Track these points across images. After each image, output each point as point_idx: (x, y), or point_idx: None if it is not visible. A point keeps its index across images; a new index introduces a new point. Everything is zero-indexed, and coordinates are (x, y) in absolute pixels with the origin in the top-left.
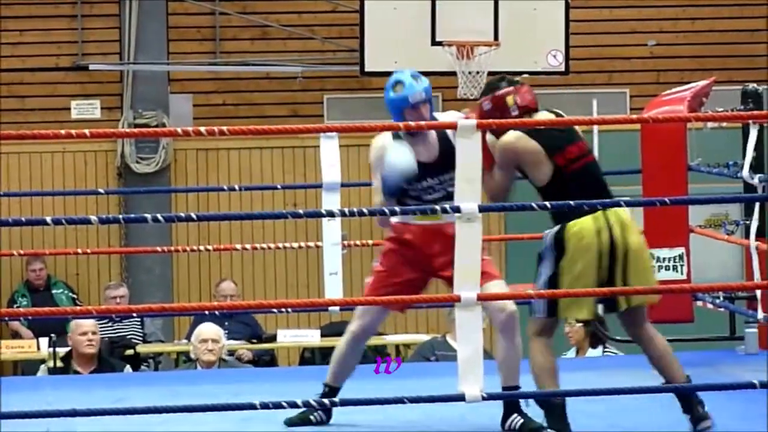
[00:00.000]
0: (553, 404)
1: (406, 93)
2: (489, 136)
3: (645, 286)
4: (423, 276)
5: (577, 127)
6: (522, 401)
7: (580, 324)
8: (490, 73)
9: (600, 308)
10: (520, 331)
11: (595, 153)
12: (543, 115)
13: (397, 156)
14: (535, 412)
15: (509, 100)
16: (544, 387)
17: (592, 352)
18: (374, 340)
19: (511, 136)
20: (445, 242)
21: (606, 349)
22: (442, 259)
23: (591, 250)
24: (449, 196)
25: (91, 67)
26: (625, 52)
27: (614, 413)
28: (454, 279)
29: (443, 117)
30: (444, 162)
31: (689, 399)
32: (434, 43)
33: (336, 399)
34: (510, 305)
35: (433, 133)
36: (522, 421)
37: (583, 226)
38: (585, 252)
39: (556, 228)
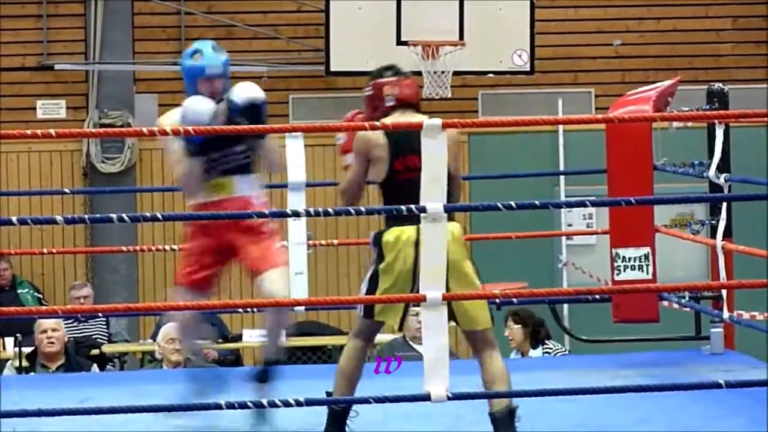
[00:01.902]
0: (335, 411)
1: (204, 63)
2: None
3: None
4: (224, 255)
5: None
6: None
7: (519, 326)
8: (455, 73)
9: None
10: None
11: (561, 152)
12: (416, 118)
13: (199, 102)
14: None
15: (387, 89)
16: (336, 389)
17: (533, 353)
18: (339, 340)
19: (364, 135)
20: (237, 208)
21: (546, 348)
22: (236, 235)
23: (407, 259)
24: (241, 171)
25: (56, 66)
26: (590, 52)
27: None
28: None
29: (239, 88)
30: (225, 138)
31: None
32: (399, 42)
33: (302, 399)
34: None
35: (222, 105)
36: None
37: (402, 234)
38: (401, 258)
39: (380, 230)
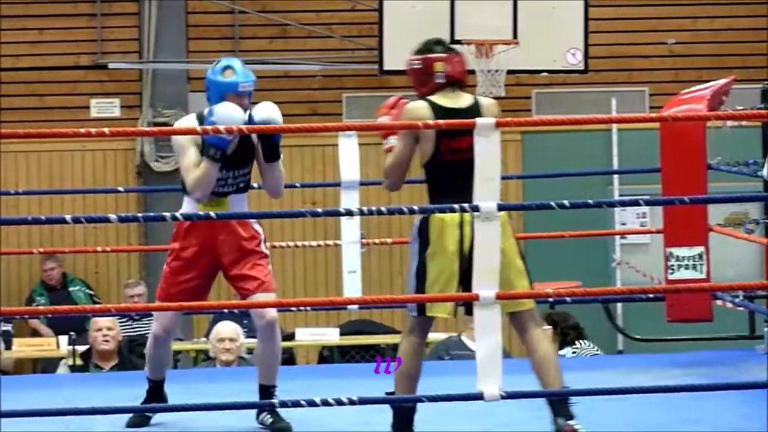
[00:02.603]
0: (401, 410)
1: (237, 80)
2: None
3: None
4: (211, 261)
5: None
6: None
7: (549, 327)
8: (509, 72)
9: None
10: (279, 335)
11: (614, 151)
12: (464, 98)
13: (234, 108)
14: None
15: (438, 66)
16: (398, 390)
17: (560, 353)
18: (392, 339)
19: (417, 104)
20: (230, 232)
21: (574, 349)
22: (228, 253)
23: (452, 242)
24: (238, 191)
25: (110, 65)
26: (644, 51)
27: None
28: (246, 283)
29: (259, 109)
30: (241, 156)
31: (557, 407)
32: (453, 41)
33: (355, 398)
34: (270, 312)
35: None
36: (272, 419)
37: (446, 216)
38: (448, 243)
39: (421, 216)
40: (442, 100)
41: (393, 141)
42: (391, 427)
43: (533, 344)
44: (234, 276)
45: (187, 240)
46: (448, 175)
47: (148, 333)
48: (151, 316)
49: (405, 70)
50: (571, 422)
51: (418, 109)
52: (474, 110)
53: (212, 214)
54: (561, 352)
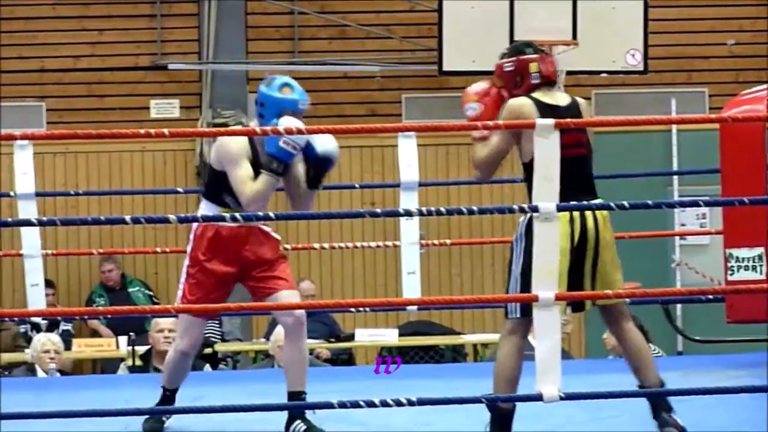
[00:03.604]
0: (499, 411)
1: (297, 98)
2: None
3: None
4: (236, 274)
5: (586, 117)
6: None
7: None
8: (568, 73)
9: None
10: (306, 335)
11: (674, 152)
12: (561, 96)
13: (295, 124)
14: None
15: (533, 66)
16: (497, 392)
17: None
18: (451, 340)
19: (522, 100)
20: (256, 240)
21: None
22: (253, 266)
23: (564, 238)
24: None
25: (170, 66)
26: (704, 52)
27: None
28: (271, 282)
29: (325, 139)
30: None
31: (658, 403)
32: (512, 42)
33: (414, 398)
34: (298, 310)
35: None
36: (305, 427)
37: (559, 214)
38: (558, 239)
39: (530, 214)
40: (543, 97)
41: (483, 132)
42: (489, 428)
43: (627, 336)
44: (257, 277)
45: (213, 252)
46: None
47: (206, 333)
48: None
49: (464, 71)
50: (674, 415)
51: (523, 105)
52: (573, 108)
53: (272, 214)
54: None
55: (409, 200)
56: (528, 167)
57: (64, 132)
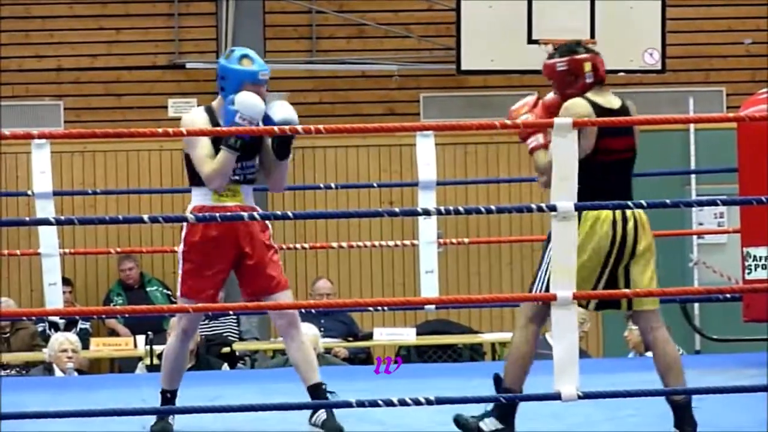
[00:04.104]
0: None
1: (257, 69)
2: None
3: (644, 289)
4: (231, 258)
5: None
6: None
7: (636, 327)
8: None
9: (592, 304)
10: (301, 330)
11: (692, 151)
12: (612, 98)
13: (256, 98)
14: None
15: (587, 66)
16: (510, 376)
17: (649, 354)
18: (469, 339)
19: (578, 101)
20: (249, 224)
21: None
22: (248, 243)
23: (604, 239)
24: (246, 182)
25: (188, 65)
26: (721, 51)
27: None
28: (264, 280)
29: (278, 107)
30: (252, 148)
31: (682, 415)
32: (530, 41)
33: (432, 397)
34: (290, 311)
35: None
36: (324, 417)
37: (602, 214)
38: (596, 239)
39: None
40: (597, 98)
41: (535, 141)
42: (493, 411)
43: (658, 347)
44: (255, 269)
45: (207, 232)
46: (603, 174)
47: (225, 332)
48: (228, 315)
49: (482, 70)
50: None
51: (580, 105)
52: (624, 111)
53: (290, 213)
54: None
55: (427, 199)
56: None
57: (82, 131)
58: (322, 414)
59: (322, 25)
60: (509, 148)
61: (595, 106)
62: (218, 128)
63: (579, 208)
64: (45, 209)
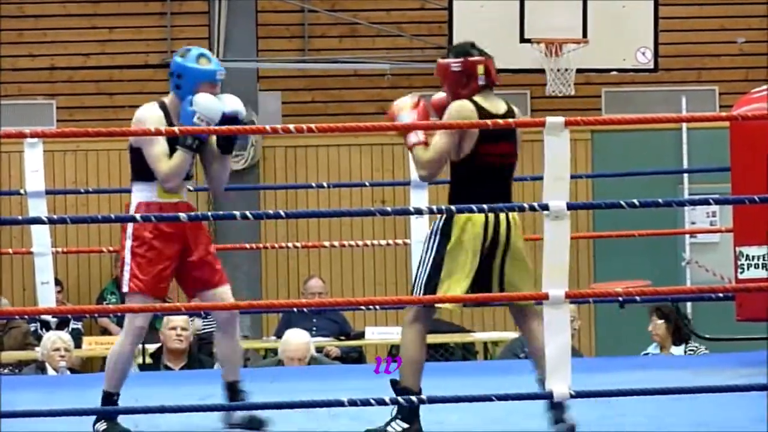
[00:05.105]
0: (408, 393)
1: (214, 68)
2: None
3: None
4: (179, 251)
5: (518, 132)
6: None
7: (662, 321)
8: (578, 71)
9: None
10: (238, 328)
11: (684, 150)
12: (499, 102)
13: (213, 99)
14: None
15: (480, 68)
16: (405, 377)
17: (675, 350)
18: (461, 338)
19: (464, 103)
20: (196, 222)
21: (689, 347)
22: (194, 238)
23: (476, 242)
24: (185, 179)
25: None
26: (714, 50)
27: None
28: (209, 273)
29: (227, 101)
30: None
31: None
32: (522, 40)
33: (424, 397)
34: (230, 302)
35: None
36: (249, 415)
37: (473, 217)
38: (470, 240)
39: (446, 217)
40: (484, 102)
41: (414, 138)
42: (398, 413)
43: (531, 338)
44: (200, 262)
45: (158, 229)
46: (481, 177)
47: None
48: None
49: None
50: (567, 414)
51: (466, 109)
52: (510, 116)
53: (282, 212)
54: (675, 350)
55: (419, 198)
56: (455, 168)
57: (75, 130)
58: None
59: (314, 24)
60: None
61: (480, 109)
62: (220, 128)
63: (571, 207)
64: (37, 208)
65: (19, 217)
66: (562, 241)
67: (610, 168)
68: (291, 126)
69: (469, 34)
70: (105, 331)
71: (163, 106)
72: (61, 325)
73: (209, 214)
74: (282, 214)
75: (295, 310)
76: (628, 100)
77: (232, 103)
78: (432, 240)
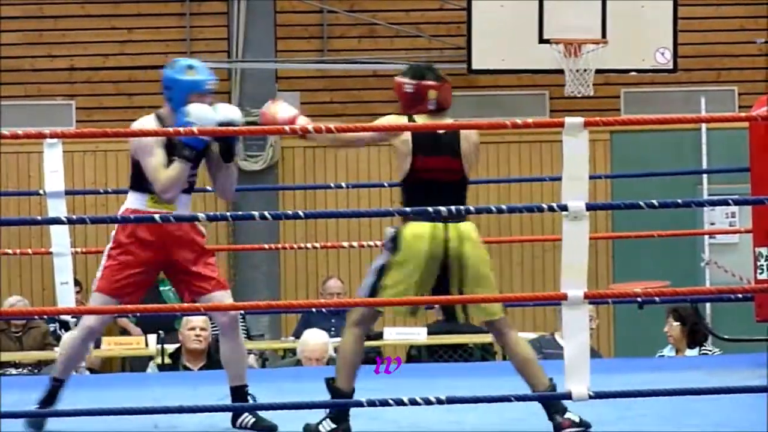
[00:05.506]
0: (339, 393)
1: (203, 78)
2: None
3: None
4: (160, 261)
5: (465, 148)
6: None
7: (678, 323)
8: (597, 71)
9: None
10: (240, 331)
11: (703, 151)
12: (447, 122)
13: (207, 109)
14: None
15: (431, 93)
16: (339, 378)
17: (689, 353)
18: (480, 338)
19: (403, 117)
20: (183, 228)
21: (703, 350)
22: (182, 249)
23: (420, 254)
24: (185, 191)
25: None
26: (733, 50)
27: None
28: (203, 282)
29: (222, 108)
30: (197, 156)
31: (551, 405)
32: (541, 41)
33: (443, 397)
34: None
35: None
36: (254, 419)
37: (418, 229)
38: (415, 254)
39: (396, 227)
40: (424, 120)
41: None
42: (329, 413)
43: (511, 348)
44: (192, 273)
45: (136, 233)
46: (424, 193)
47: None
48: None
49: (492, 70)
50: (568, 415)
51: (395, 120)
52: (450, 135)
53: (301, 213)
54: (689, 352)
55: None
56: (401, 185)
57: (94, 130)
58: (248, 417)
59: (333, 24)
60: (520, 148)
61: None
62: (226, 128)
63: (590, 208)
64: (57, 208)
65: (39, 218)
66: (580, 242)
67: (628, 168)
68: (310, 126)
69: (487, 35)
70: (124, 332)
71: (159, 118)
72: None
73: (228, 214)
74: (301, 214)
75: (313, 310)
76: (647, 100)
77: (226, 112)
78: (384, 249)
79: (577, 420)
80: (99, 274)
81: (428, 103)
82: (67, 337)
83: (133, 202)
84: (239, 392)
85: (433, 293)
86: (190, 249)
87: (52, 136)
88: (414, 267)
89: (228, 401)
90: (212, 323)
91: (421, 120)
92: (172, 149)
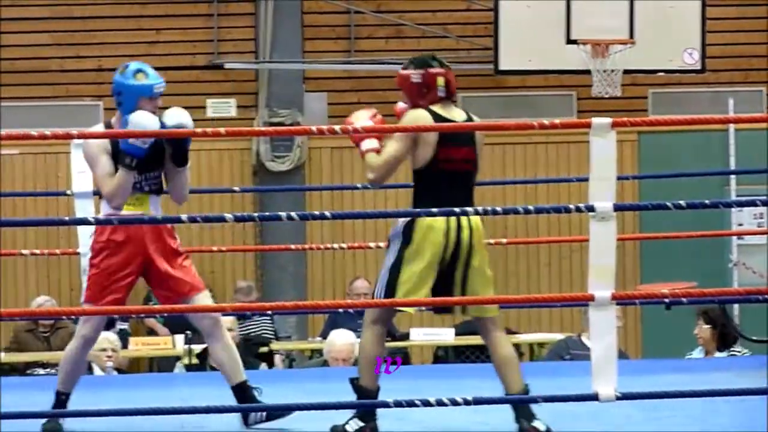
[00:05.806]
0: (365, 392)
1: (152, 82)
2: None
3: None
4: (140, 264)
5: (478, 138)
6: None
7: (708, 326)
8: (625, 72)
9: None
10: (225, 329)
11: (731, 151)
12: (458, 111)
13: (148, 117)
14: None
15: (440, 80)
16: (363, 377)
17: (719, 355)
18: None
19: (420, 112)
20: (156, 231)
21: (732, 351)
22: (156, 249)
23: (436, 247)
24: (152, 192)
25: (226, 65)
26: (761, 51)
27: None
28: (180, 285)
29: (170, 114)
30: (154, 160)
31: (520, 409)
32: (569, 41)
33: (470, 398)
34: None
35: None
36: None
37: (435, 222)
38: (430, 247)
39: (409, 218)
40: (442, 111)
41: (367, 145)
42: (356, 412)
43: (495, 347)
44: (164, 274)
45: (113, 238)
46: (442, 183)
47: (264, 333)
48: (265, 315)
49: (520, 70)
50: (534, 423)
51: (421, 117)
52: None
53: (327, 213)
54: (719, 355)
55: None
56: (417, 174)
57: (121, 131)
58: (260, 415)
59: (360, 25)
60: (547, 149)
61: (437, 117)
62: (268, 129)
63: (618, 209)
64: (84, 209)
65: (66, 218)
66: (608, 243)
67: (656, 169)
68: (336, 127)
69: (515, 35)
70: (151, 332)
71: (108, 127)
72: (108, 325)
73: (255, 215)
74: (327, 215)
75: (340, 311)
76: (674, 101)
77: (174, 116)
78: (393, 244)
79: (543, 429)
80: (84, 285)
81: (438, 90)
82: (68, 351)
83: (108, 209)
84: (243, 389)
85: (435, 284)
86: (165, 251)
87: (80, 136)
88: (429, 259)
89: (258, 401)
90: (239, 323)
91: (436, 109)
92: (117, 157)
